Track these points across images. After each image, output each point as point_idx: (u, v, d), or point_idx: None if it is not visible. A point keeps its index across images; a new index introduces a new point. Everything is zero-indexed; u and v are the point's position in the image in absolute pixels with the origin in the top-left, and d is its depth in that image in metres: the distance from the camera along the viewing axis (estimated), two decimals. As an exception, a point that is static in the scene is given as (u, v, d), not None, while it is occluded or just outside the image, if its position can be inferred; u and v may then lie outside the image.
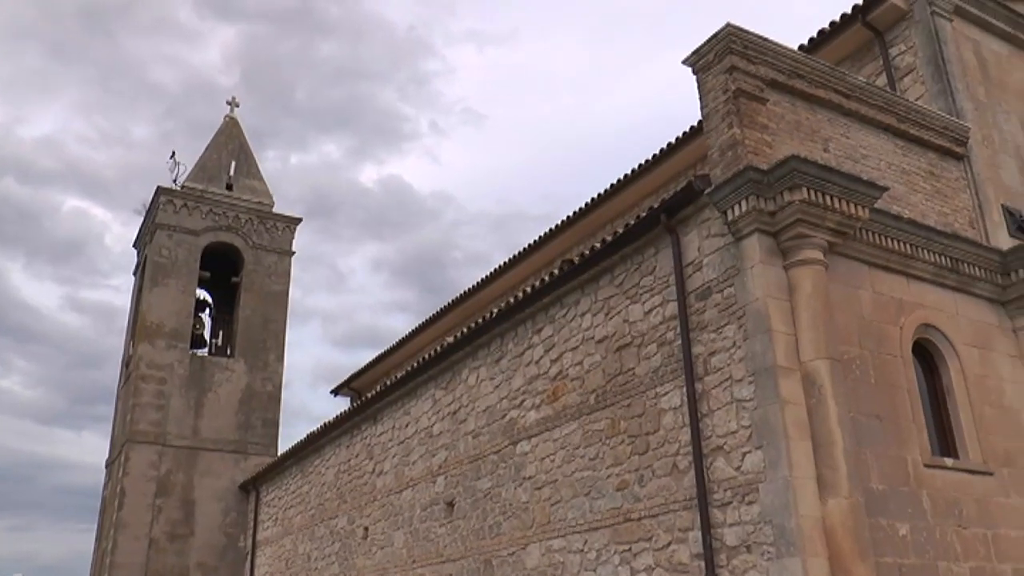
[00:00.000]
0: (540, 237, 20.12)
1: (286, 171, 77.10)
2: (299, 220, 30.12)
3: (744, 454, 9.37)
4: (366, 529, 18.09)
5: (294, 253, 29.82)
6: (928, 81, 13.46)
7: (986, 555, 10.16)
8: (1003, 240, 12.56)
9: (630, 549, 10.84)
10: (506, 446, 13.64)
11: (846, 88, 11.38)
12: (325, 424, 20.69)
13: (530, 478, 12.96)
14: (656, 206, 10.69)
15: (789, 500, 8.75)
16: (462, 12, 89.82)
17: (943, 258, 11.38)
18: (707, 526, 9.63)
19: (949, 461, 10.46)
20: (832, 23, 14.17)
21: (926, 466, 10.08)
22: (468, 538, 14.34)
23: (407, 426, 17.04)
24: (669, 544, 10.28)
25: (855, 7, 13.94)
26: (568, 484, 12.11)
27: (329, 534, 19.94)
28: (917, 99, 13.19)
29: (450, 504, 15.04)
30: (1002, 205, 13.02)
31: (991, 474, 10.71)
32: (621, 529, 11.02)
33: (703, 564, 9.63)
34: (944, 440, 10.87)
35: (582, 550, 11.66)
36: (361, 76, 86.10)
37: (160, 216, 27.83)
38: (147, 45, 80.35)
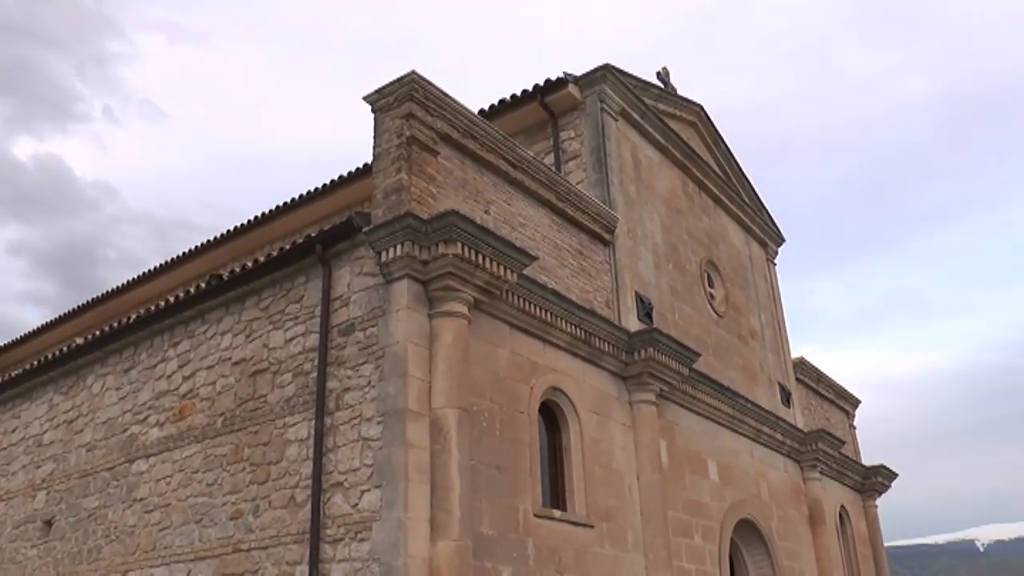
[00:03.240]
0: (196, 247, 19.26)
1: (-79, 124, 67.16)
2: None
3: (363, 492, 9.39)
4: (-59, 546, 15.87)
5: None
6: (589, 169, 14.67)
7: (576, 599, 10.93)
8: (632, 323, 13.86)
9: (235, 582, 10.41)
10: (121, 463, 12.65)
11: (515, 158, 12.07)
12: (-85, 420, 18.02)
13: (142, 500, 12.11)
14: (314, 235, 10.60)
15: (400, 540, 8.87)
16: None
17: (579, 330, 12.29)
18: (315, 561, 9.48)
19: (557, 513, 11.20)
20: (513, 96, 15.07)
21: (536, 516, 10.71)
22: (62, 562, 13.05)
23: (14, 431, 15.30)
24: (275, 578, 10.00)
25: (536, 86, 14.95)
26: (181, 509, 11.44)
27: None
28: (578, 184, 14.29)
29: (48, 523, 13.64)
30: (636, 292, 14.40)
31: (592, 527, 11.62)
32: (228, 560, 10.56)
33: (306, 601, 9.47)
34: (556, 493, 11.65)
35: (184, 581, 11.03)
36: (34, 39, 78.28)
37: None
38: None
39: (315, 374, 10.29)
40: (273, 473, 10.45)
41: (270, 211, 17.99)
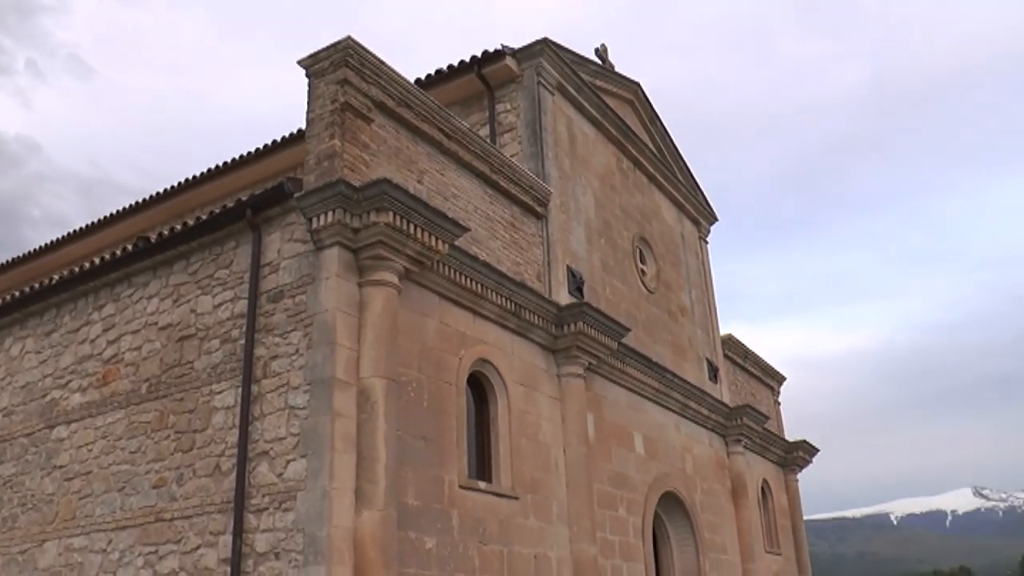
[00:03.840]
0: (124, 208, 18.87)
1: None
2: None
3: (288, 461, 9.34)
4: None
5: None
6: (524, 143, 14.69)
7: (499, 569, 11.09)
8: (563, 296, 13.97)
9: (156, 551, 10.27)
10: (41, 429, 12.37)
11: (449, 129, 12.03)
12: None
13: (62, 467, 11.86)
14: (245, 200, 10.45)
15: (324, 510, 8.85)
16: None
17: (509, 302, 12.35)
18: (239, 531, 9.42)
19: (482, 484, 11.29)
20: (450, 66, 15.00)
21: (461, 487, 10.78)
22: (-25, 530, 12.72)
23: (-73, 395, 14.81)
24: (198, 548, 9.90)
25: (473, 57, 14.89)
26: (103, 477, 11.25)
27: None
28: (512, 156, 14.30)
29: (-39, 490, 13.27)
30: (567, 266, 14.50)
31: (516, 498, 11.75)
32: (151, 529, 10.42)
33: (229, 570, 9.38)
34: (482, 465, 11.74)
35: (105, 550, 10.84)
36: (-51, -15, 74.45)
37: None
38: None
39: (243, 341, 10.18)
40: (198, 441, 10.33)
41: (201, 174, 17.68)
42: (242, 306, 10.40)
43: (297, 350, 9.68)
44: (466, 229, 10.92)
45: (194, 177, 17.79)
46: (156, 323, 11.40)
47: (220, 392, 10.30)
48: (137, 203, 18.70)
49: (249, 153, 16.95)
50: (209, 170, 17.54)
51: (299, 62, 10.69)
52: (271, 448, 9.53)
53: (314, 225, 9.70)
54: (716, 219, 22.35)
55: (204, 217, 11.02)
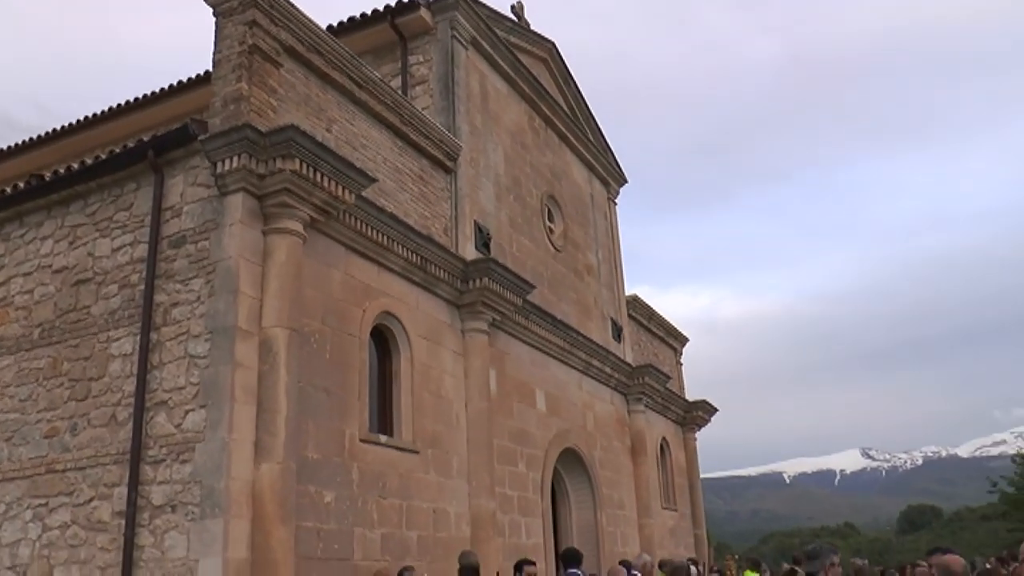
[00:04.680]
0: (17, 144, 17.99)
1: None
2: None
3: (187, 412, 9.17)
4: None
5: None
6: (436, 96, 14.57)
7: (398, 523, 11.19)
8: (469, 252, 14.00)
9: (47, 504, 9.96)
10: (-78, 375, 11.83)
11: (360, 78, 11.84)
12: None
13: (-55, 415, 11.38)
14: (147, 140, 10.11)
15: (223, 462, 8.74)
16: None
17: (415, 256, 12.32)
18: (135, 483, 9.21)
19: (383, 438, 11.32)
20: (363, 14, 14.75)
21: (362, 441, 10.78)
22: None
23: None
24: (91, 500, 9.64)
25: (387, 7, 14.67)
26: (-11, 426, 10.85)
27: None
28: (423, 109, 14.18)
29: None
30: (475, 221, 14.52)
31: (417, 452, 11.83)
32: (41, 481, 10.10)
33: (124, 523, 9.18)
34: (384, 418, 11.76)
35: (-9, 502, 10.49)
36: None
37: None
38: None
39: (142, 286, 9.89)
40: (94, 389, 10.04)
41: (102, 112, 16.99)
42: (142, 250, 10.09)
43: (198, 297, 9.48)
44: (374, 180, 10.82)
45: (95, 115, 17.09)
46: (50, 265, 10.98)
47: (118, 339, 10.02)
48: (32, 139, 17.85)
49: (154, 92, 16.38)
50: (111, 108, 16.87)
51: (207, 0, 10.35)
52: (170, 398, 9.34)
53: (218, 170, 9.47)
54: (626, 180, 22.63)
55: (104, 156, 10.62)
